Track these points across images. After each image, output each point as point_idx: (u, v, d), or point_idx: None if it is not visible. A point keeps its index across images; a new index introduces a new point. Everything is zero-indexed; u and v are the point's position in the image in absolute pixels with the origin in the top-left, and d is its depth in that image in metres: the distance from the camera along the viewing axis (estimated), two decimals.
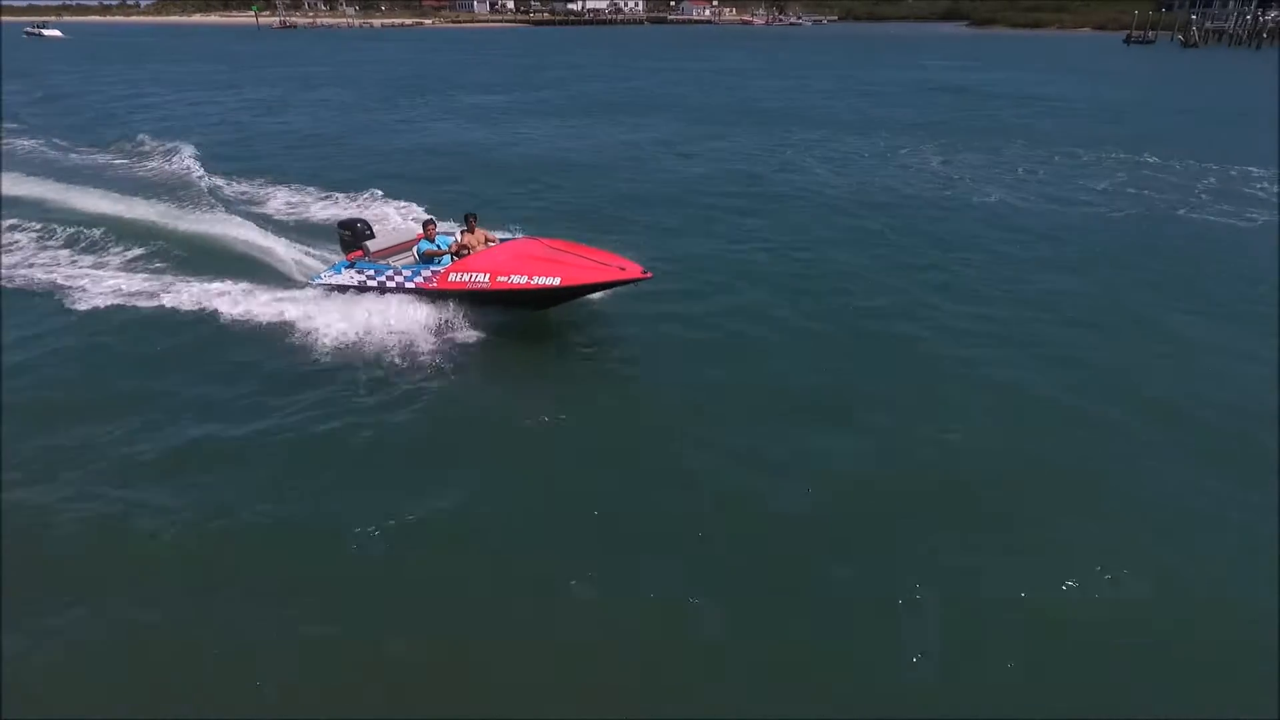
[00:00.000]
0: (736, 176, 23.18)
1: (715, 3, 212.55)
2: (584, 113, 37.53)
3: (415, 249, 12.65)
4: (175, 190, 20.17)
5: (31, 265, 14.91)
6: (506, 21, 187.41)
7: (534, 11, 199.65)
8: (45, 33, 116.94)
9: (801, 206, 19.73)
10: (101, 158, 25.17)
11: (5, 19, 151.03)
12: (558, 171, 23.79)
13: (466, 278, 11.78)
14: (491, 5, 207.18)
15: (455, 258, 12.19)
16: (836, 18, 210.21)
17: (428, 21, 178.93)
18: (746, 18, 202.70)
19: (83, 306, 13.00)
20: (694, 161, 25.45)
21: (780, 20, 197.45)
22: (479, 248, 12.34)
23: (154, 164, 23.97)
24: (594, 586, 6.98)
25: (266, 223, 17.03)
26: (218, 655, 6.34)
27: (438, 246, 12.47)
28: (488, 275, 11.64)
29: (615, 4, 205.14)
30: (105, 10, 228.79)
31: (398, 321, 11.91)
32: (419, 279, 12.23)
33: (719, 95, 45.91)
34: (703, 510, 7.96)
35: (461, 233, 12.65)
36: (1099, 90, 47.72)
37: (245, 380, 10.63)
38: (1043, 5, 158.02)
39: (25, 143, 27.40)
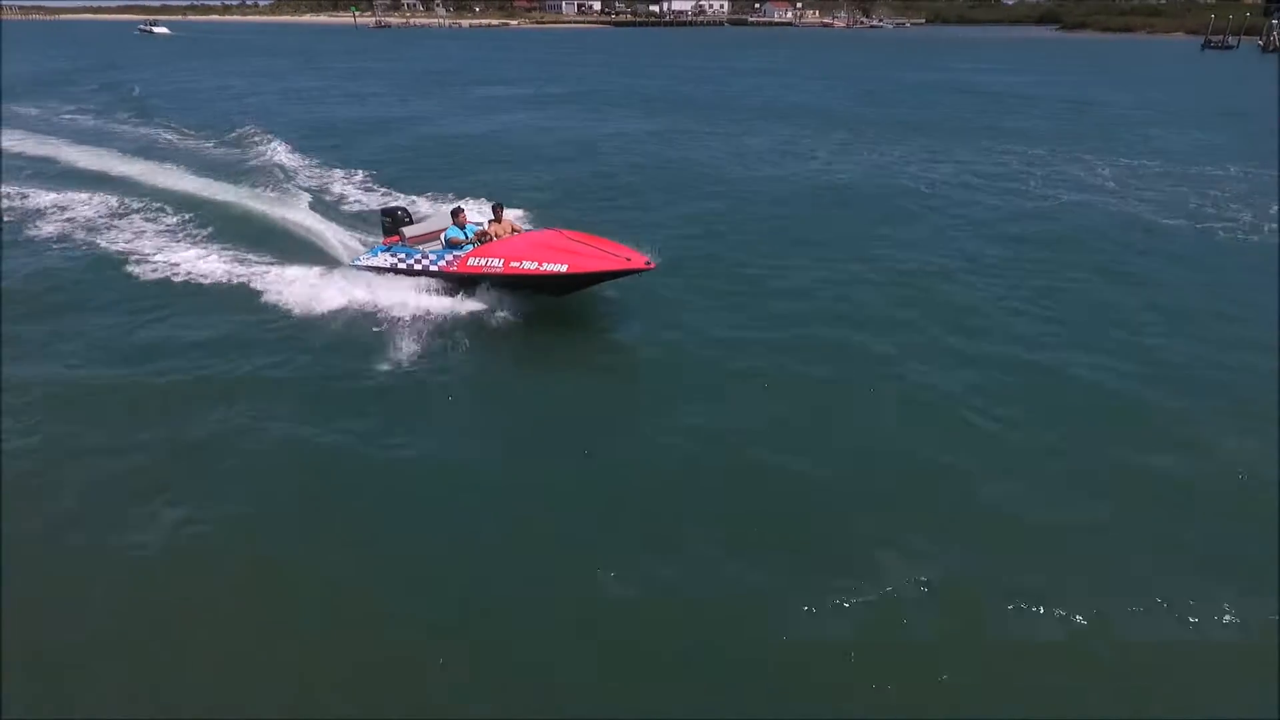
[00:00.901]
0: (657, 158, 26.13)
1: (799, 4, 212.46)
2: (560, 101, 40.96)
3: (443, 235, 13.49)
4: (235, 172, 22.16)
5: (107, 235, 16.56)
6: (590, 22, 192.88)
7: (617, 13, 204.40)
8: (155, 30, 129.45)
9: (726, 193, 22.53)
10: (179, 140, 28.51)
11: (130, 16, 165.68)
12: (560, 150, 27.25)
13: (484, 263, 12.51)
14: (579, 7, 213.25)
15: (479, 244, 12.98)
16: (923, 21, 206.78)
17: (514, 22, 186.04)
18: (827, 20, 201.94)
19: (149, 276, 14.51)
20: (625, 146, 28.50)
21: (861, 23, 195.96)
22: (505, 236, 13.08)
23: (214, 147, 26.86)
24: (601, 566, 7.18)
25: (322, 207, 18.58)
26: (218, 655, 6.39)
27: (465, 234, 13.29)
28: (502, 261, 12.37)
29: (699, 5, 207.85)
30: (226, 10, 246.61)
31: (418, 301, 12.74)
32: (442, 263, 13.05)
33: (704, 89, 48.77)
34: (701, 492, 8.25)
35: (489, 222, 13.44)
36: (1090, 90, 47.93)
37: (272, 346, 11.64)
38: (1137, 9, 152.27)
39: (114, 125, 31.58)
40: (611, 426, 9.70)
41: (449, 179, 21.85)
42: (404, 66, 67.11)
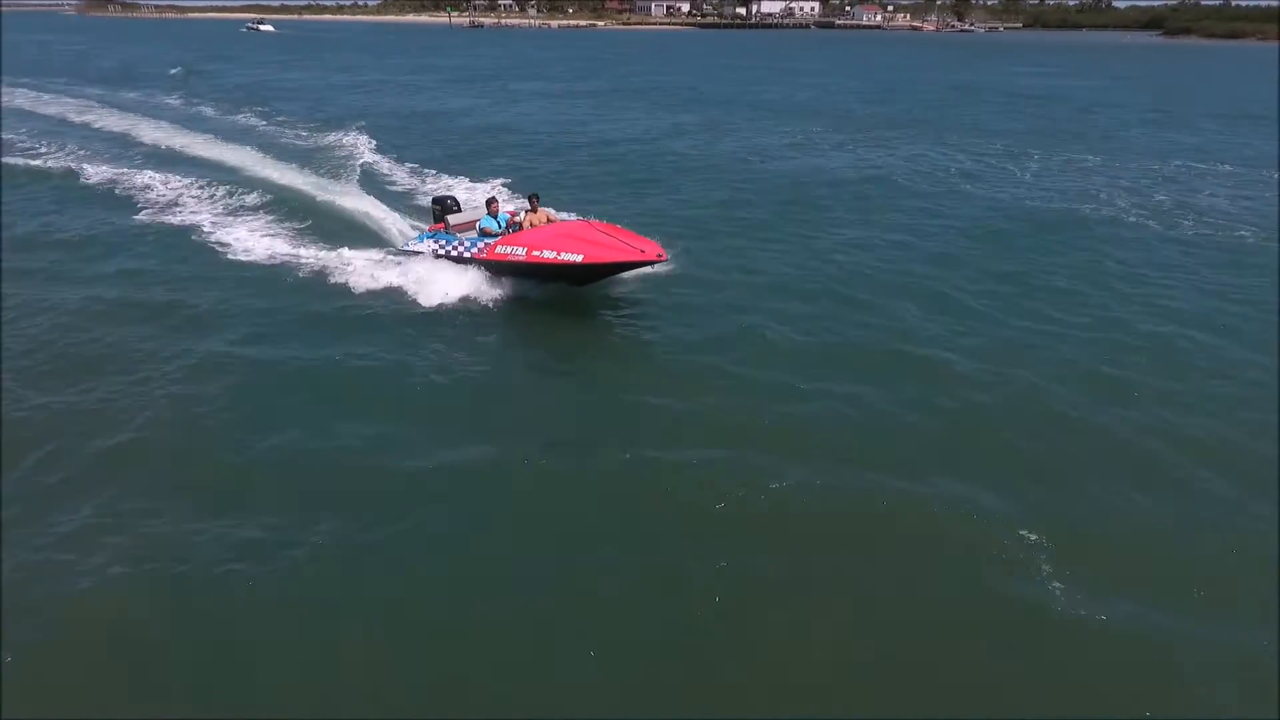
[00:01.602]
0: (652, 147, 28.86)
1: (890, 8, 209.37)
2: (593, 94, 44.00)
3: (478, 224, 14.23)
4: (304, 158, 24.11)
5: (186, 214, 18.24)
6: (675, 24, 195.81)
7: (704, 15, 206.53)
8: (261, 28, 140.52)
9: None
10: (254, 124, 31.85)
11: (254, 15, 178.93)
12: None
13: (509, 251, 13.02)
14: (667, 9, 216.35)
15: (510, 233, 13.58)
16: (1020, 25, 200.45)
17: (601, 23, 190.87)
18: (916, 24, 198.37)
19: (231, 255, 15.82)
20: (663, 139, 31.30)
21: (952, 27, 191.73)
22: (539, 225, 13.56)
23: (287, 132, 29.63)
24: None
25: (382, 193, 19.93)
26: (220, 653, 6.40)
27: (497, 223, 13.94)
28: (525, 250, 12.82)
29: (788, 8, 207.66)
30: (339, 10, 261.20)
31: (452, 285, 13.46)
32: (475, 250, 13.68)
33: (729, 88, 51.08)
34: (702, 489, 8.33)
35: (525, 212, 13.97)
36: (1122, 94, 47.71)
37: (310, 321, 12.60)
38: (1249, 14, 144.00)
39: (206, 111, 35.46)
40: (635, 417, 9.99)
41: (498, 166, 23.61)
42: (476, 61, 71.84)
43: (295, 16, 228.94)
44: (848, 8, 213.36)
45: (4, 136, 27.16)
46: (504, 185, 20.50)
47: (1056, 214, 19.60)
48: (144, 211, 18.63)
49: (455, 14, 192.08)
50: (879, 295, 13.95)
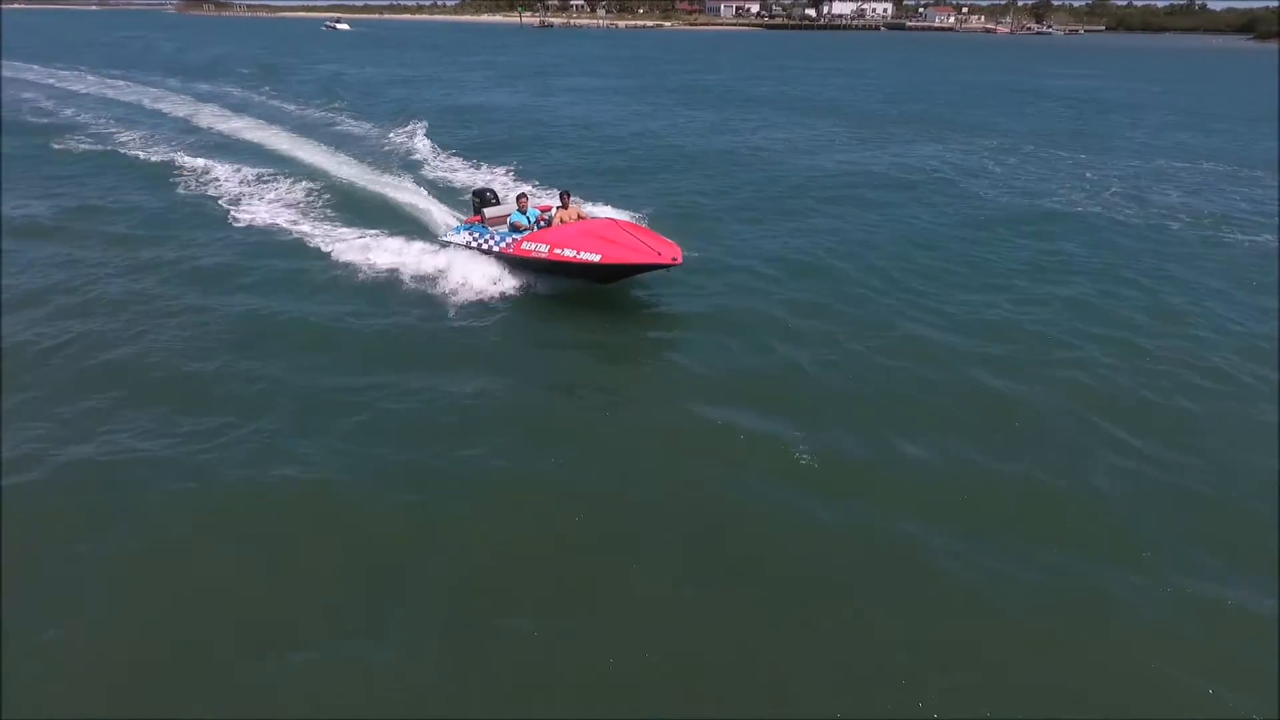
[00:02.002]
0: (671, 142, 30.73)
1: (964, 9, 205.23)
2: (616, 92, 45.99)
3: (509, 218, 14.38)
4: (360, 149, 25.40)
5: (228, 190, 19.54)
6: (744, 25, 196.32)
7: (772, 16, 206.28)
8: (338, 26, 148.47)
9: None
10: (314, 116, 33.65)
11: (338, 14, 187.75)
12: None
13: (533, 247, 13.14)
14: (736, 10, 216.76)
15: (538, 229, 13.75)
16: (1101, 27, 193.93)
17: (668, 24, 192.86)
18: (990, 26, 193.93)
19: (257, 231, 17.00)
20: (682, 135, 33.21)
21: (1028, 29, 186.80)
22: (569, 222, 13.74)
23: (344, 123, 31.49)
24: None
25: (431, 185, 20.63)
26: (222, 653, 6.42)
27: (527, 218, 14.12)
28: (548, 247, 12.94)
29: (860, 9, 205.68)
30: (418, 9, 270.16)
31: (477, 278, 13.70)
32: (503, 245, 13.82)
33: (761, 86, 52.23)
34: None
35: (556, 208, 14.11)
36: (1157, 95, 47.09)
37: (343, 299, 13.27)
38: None
39: (272, 102, 37.88)
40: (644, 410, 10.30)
41: (523, 158, 24.66)
42: (529, 59, 74.64)
43: (377, 16, 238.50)
44: (921, 9, 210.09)
45: (92, 120, 30.84)
46: (533, 187, 20.74)
47: (1020, 206, 20.71)
48: (188, 187, 20.63)
49: (526, 14, 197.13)
50: (847, 271, 15.15)
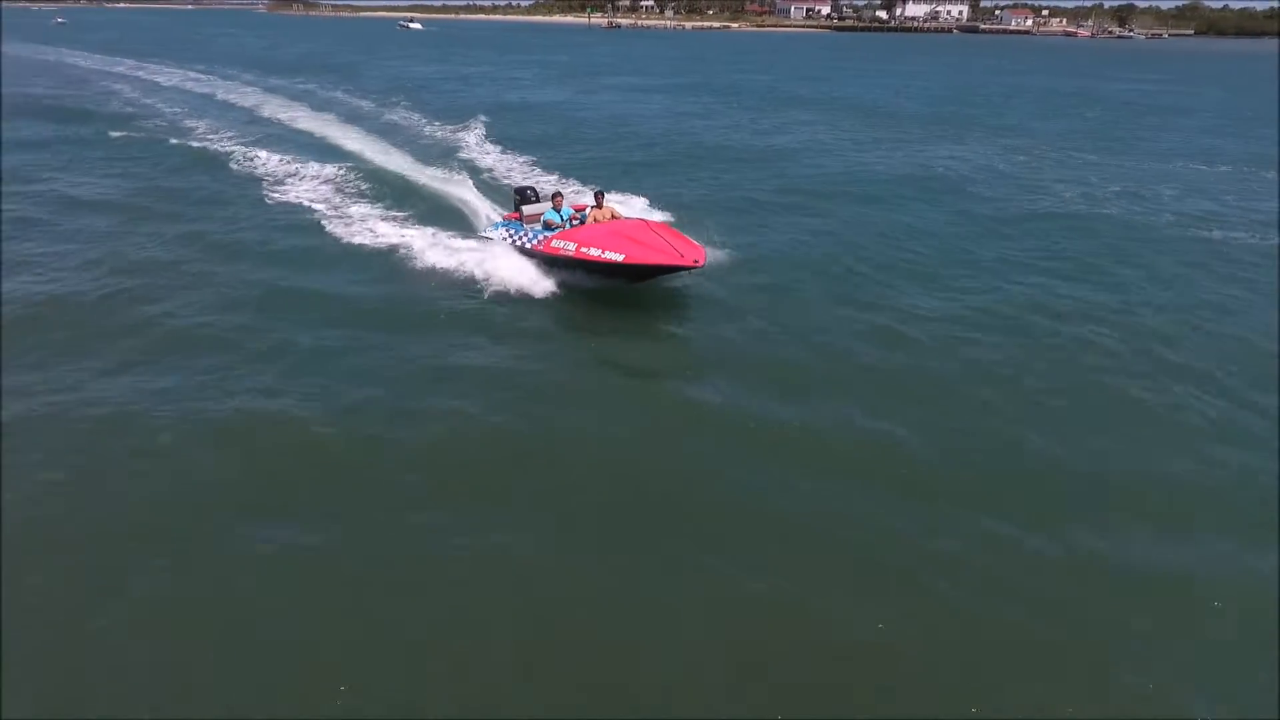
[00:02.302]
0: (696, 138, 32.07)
1: (1044, 12, 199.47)
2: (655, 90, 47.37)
3: (543, 216, 14.72)
4: (419, 144, 26.46)
5: (298, 189, 20.03)
6: (812, 26, 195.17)
7: (842, 18, 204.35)
8: (411, 26, 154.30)
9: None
10: (374, 109, 35.45)
11: (405, 13, 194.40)
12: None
13: (562, 245, 13.37)
14: (807, 12, 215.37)
15: (570, 227, 14.04)
16: (1190, 31, 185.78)
17: (734, 25, 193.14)
18: (1070, 29, 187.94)
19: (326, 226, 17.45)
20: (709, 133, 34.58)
21: (1110, 33, 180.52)
22: (603, 221, 14.03)
23: (406, 118, 32.51)
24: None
25: (480, 181, 21.08)
26: (224, 652, 6.46)
27: (560, 217, 14.45)
28: (575, 245, 13.15)
29: (934, 11, 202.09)
30: (493, 9, 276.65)
31: (506, 271, 13.99)
32: (534, 241, 14.15)
33: (804, 87, 52.86)
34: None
35: (590, 208, 14.45)
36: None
37: (375, 286, 13.82)
38: None
39: (337, 94, 40.61)
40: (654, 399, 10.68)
41: (551, 155, 25.36)
42: (586, 59, 76.84)
43: (453, 16, 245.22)
44: (997, 11, 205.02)
45: (169, 110, 34.01)
46: (571, 184, 20.95)
47: (1013, 201, 21.48)
48: (240, 171, 22.76)
49: (595, 15, 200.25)
50: (848, 264, 15.87)
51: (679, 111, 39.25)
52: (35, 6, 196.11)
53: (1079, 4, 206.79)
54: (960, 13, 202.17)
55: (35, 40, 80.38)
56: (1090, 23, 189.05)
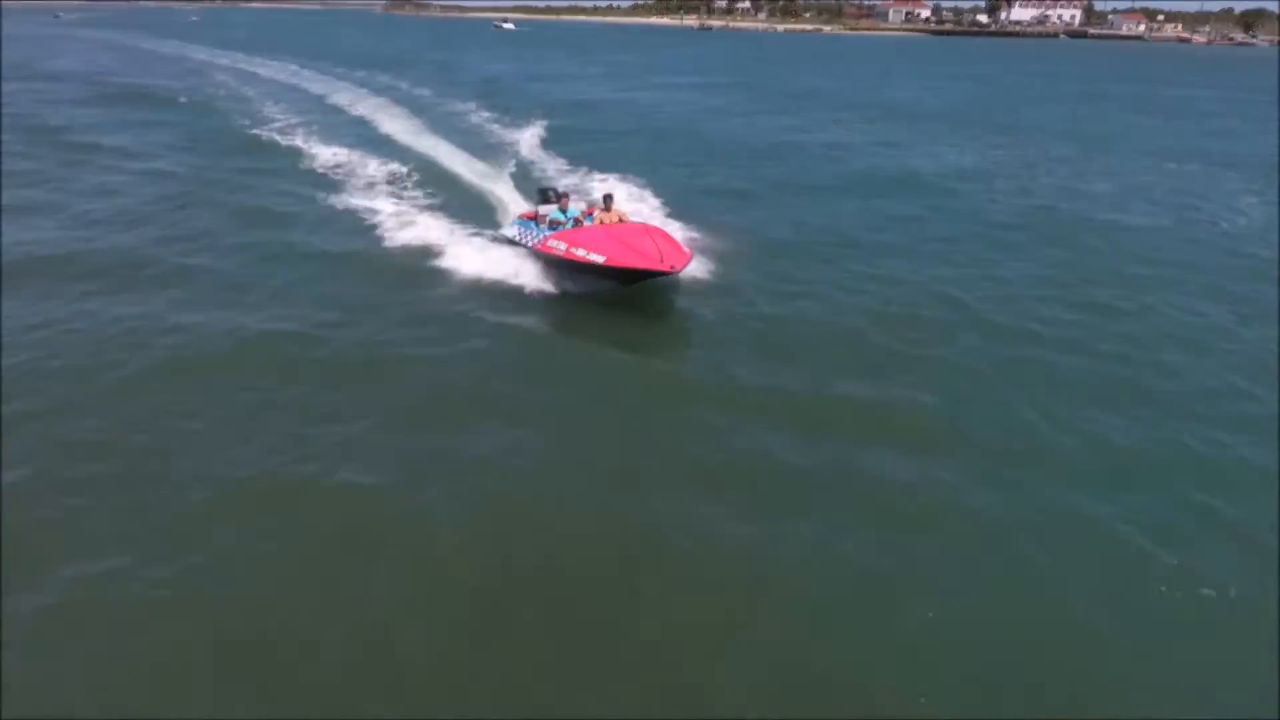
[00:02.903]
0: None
1: (1160, 16, 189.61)
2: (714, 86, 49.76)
3: (549, 216, 14.90)
4: (461, 136, 27.62)
5: (353, 193, 20.18)
6: (908, 30, 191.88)
7: (943, 21, 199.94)
8: (504, 26, 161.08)
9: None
10: (436, 102, 37.12)
11: (512, 14, 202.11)
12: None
13: (554, 244, 13.53)
14: (906, 15, 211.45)
15: (571, 227, 14.14)
16: None
17: (826, 28, 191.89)
18: (1185, 35, 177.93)
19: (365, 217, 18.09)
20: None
21: (1229, 39, 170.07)
22: (607, 224, 14.15)
23: (472, 113, 34.04)
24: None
25: (522, 178, 21.71)
26: (224, 652, 6.48)
27: (564, 217, 14.62)
28: (566, 245, 13.31)
29: (1042, 16, 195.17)
30: (593, 10, 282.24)
31: (499, 269, 14.35)
32: (534, 240, 14.30)
33: (861, 89, 54.14)
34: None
35: (599, 210, 14.63)
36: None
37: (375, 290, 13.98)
38: None
39: (407, 87, 43.08)
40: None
41: (578, 150, 26.04)
42: (651, 59, 79.79)
43: (554, 17, 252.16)
44: (1110, 16, 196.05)
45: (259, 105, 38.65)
46: (593, 177, 21.99)
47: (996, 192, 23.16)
48: (290, 157, 24.54)
49: (687, 16, 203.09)
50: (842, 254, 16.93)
51: (712, 108, 41.79)
52: (176, 6, 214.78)
53: (1203, 7, 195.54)
54: (1072, 16, 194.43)
55: (167, 36, 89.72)
56: (1207, 29, 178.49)
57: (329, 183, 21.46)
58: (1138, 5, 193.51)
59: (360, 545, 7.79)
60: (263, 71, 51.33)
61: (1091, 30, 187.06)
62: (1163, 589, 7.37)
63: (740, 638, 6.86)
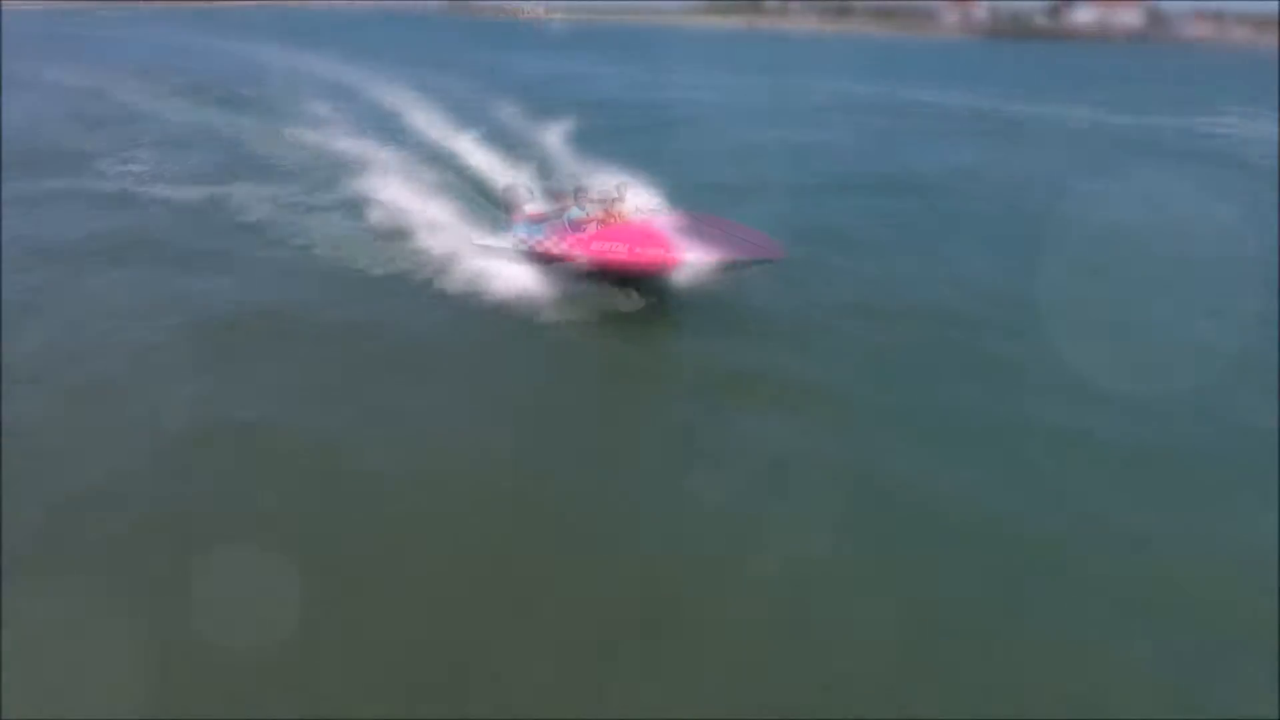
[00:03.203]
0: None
1: (1226, 18, 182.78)
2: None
3: (566, 215, 14.33)
4: (479, 131, 27.11)
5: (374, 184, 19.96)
6: (958, 32, 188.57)
7: (998, 24, 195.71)
8: (552, 20, 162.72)
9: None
10: (468, 100, 36.02)
11: (560, 14, 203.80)
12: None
13: (552, 243, 13.38)
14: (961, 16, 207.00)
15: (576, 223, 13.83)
16: None
17: (877, 31, 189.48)
18: (1252, 38, 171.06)
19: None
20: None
21: None
22: (615, 223, 13.81)
23: (493, 110, 33.33)
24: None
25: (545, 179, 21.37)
26: (225, 651, 6.53)
27: (585, 214, 13.97)
28: (561, 245, 13.22)
29: (1103, 18, 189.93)
30: (656, 12, 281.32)
31: (515, 273, 13.99)
32: (534, 241, 14.07)
33: (876, 89, 55.23)
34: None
35: (613, 201, 14.12)
36: None
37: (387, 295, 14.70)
38: None
39: (446, 84, 41.20)
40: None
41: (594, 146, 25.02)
42: (673, 56, 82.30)
43: (616, 19, 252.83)
44: (1175, 19, 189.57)
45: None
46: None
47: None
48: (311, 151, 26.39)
49: (733, 17, 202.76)
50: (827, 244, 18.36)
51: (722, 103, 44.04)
52: (253, 6, 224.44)
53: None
54: (1133, 20, 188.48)
55: (233, 38, 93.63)
56: None
57: (329, 149, 24.36)
58: (1202, 9, 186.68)
59: (361, 545, 8.02)
60: (317, 69, 51.31)
61: (1154, 34, 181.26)
62: (1163, 588, 7.52)
63: (723, 631, 7.36)
